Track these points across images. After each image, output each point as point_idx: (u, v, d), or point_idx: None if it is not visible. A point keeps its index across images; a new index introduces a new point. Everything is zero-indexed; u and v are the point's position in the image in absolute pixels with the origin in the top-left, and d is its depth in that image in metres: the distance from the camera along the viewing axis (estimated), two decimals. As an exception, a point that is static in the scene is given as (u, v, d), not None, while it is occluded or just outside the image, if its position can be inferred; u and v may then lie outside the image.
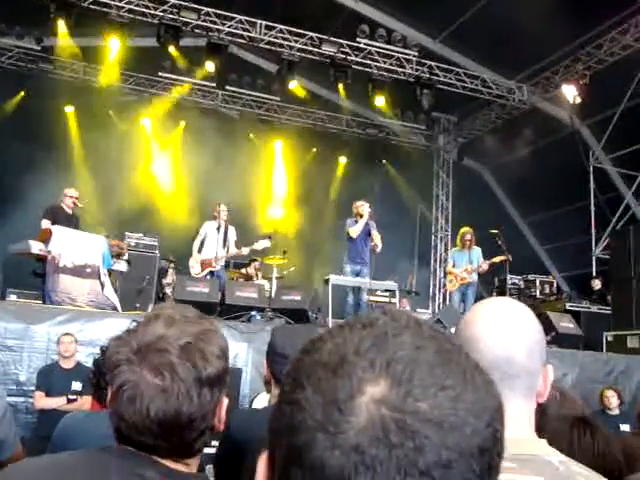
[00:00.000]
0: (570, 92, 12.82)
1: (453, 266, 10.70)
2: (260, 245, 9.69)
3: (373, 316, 0.66)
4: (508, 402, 1.20)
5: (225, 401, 1.27)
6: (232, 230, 9.93)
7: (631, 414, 7.40)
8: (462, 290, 10.52)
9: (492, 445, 0.61)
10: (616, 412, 7.17)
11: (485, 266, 10.36)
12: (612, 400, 7.19)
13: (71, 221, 8.87)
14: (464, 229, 10.69)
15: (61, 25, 11.58)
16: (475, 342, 1.23)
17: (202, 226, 9.97)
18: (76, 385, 6.11)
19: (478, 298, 10.45)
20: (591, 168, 13.42)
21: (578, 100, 12.74)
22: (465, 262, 10.48)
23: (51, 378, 6.21)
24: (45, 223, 8.54)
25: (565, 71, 13.25)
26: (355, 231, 9.62)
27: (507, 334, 1.24)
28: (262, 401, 4.72)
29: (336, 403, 0.58)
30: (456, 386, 0.60)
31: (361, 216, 9.67)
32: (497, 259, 10.39)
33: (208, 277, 9.49)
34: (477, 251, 10.53)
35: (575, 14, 11.31)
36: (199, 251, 9.84)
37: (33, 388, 6.34)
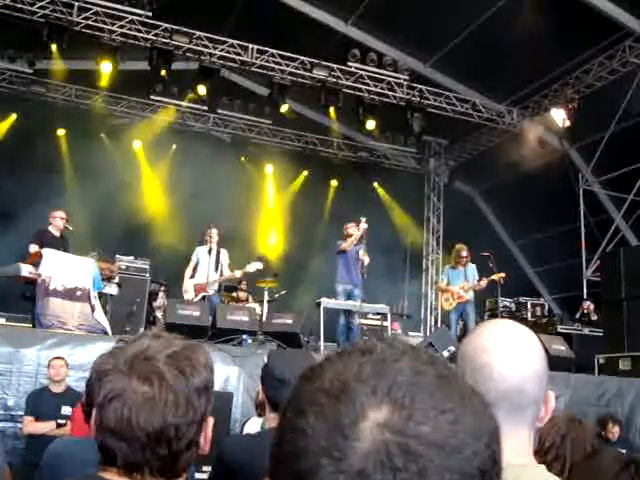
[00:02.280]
0: (559, 116, 12.96)
1: (448, 284, 10.46)
2: (252, 267, 9.67)
3: (370, 343, 0.68)
4: (516, 432, 1.18)
5: (211, 420, 1.24)
6: (224, 253, 9.91)
7: (627, 438, 7.37)
8: (460, 309, 10.27)
9: (491, 466, 0.62)
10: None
11: (483, 283, 10.14)
12: (615, 435, 6.99)
13: (60, 243, 8.81)
14: (459, 246, 10.47)
15: (54, 48, 11.62)
16: (488, 371, 1.21)
17: (194, 251, 9.96)
18: (66, 410, 6.02)
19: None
20: (581, 191, 13.51)
21: (567, 124, 12.88)
22: (461, 280, 10.24)
23: (40, 403, 6.12)
24: (33, 248, 8.49)
25: (554, 95, 13.40)
26: (348, 245, 9.62)
27: (520, 365, 1.22)
28: (253, 425, 4.68)
29: (340, 429, 0.59)
30: (455, 409, 0.61)
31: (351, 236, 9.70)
32: (495, 276, 10.16)
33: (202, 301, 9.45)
34: (472, 268, 10.32)
35: (563, 39, 11.47)
36: (192, 276, 9.82)
37: (22, 413, 6.25)
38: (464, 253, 10.29)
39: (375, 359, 0.64)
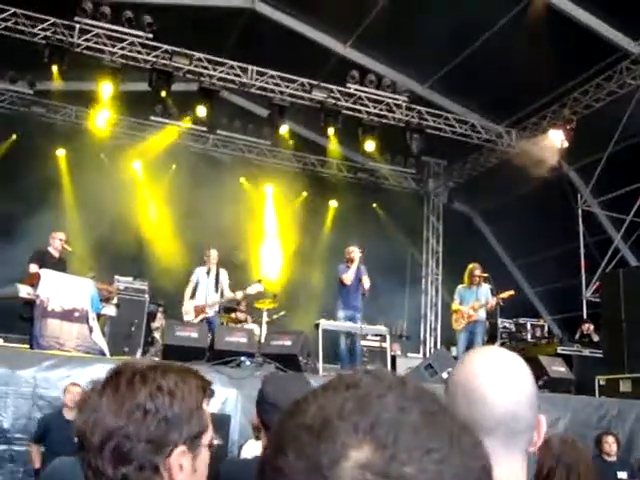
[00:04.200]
0: (558, 137, 13.00)
1: (460, 304, 10.22)
2: (253, 289, 9.66)
3: (357, 376, 0.65)
4: (511, 459, 1.19)
5: (179, 449, 1.18)
6: (224, 274, 9.84)
7: (627, 460, 7.30)
8: (470, 329, 10.07)
9: None
10: (614, 458, 6.95)
11: (493, 302, 9.93)
12: (613, 447, 6.95)
13: (59, 265, 8.79)
14: (473, 265, 10.21)
15: (54, 70, 11.67)
16: (481, 397, 1.21)
17: (193, 272, 9.91)
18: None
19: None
20: (580, 211, 13.51)
21: (566, 144, 12.92)
22: (473, 300, 10.04)
23: (53, 427, 6.01)
24: (33, 267, 8.47)
25: (552, 116, 13.47)
26: (348, 278, 9.58)
27: (512, 390, 1.23)
28: (251, 448, 4.63)
29: (319, 469, 0.56)
30: (442, 449, 0.58)
31: (352, 261, 9.64)
32: (505, 294, 10.00)
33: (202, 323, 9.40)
34: (485, 288, 10.09)
35: (561, 61, 11.55)
36: (192, 297, 9.77)
37: (18, 435, 6.19)
38: (477, 272, 10.05)
39: (359, 394, 0.61)
